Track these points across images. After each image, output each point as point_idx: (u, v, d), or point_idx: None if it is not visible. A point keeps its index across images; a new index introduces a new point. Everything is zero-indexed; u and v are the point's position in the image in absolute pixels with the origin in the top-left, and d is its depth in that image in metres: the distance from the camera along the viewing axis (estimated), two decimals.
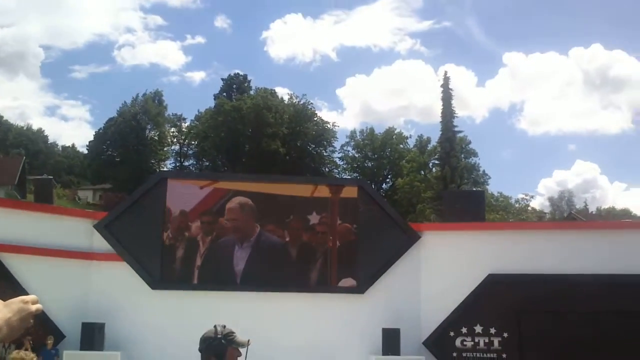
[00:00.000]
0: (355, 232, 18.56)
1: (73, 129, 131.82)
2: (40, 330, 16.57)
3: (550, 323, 17.25)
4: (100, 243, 18.03)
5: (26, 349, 15.98)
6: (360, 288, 18.16)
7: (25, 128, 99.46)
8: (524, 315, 17.36)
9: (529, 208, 65.34)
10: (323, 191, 18.88)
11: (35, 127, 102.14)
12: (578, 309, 17.07)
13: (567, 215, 67.44)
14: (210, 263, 18.20)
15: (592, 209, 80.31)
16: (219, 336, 4.19)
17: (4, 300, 2.46)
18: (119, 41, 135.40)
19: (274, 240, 18.43)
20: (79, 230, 18.05)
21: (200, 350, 4.24)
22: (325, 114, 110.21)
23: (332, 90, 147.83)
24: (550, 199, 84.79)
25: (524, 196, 66.86)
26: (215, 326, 4.30)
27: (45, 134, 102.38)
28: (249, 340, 4.25)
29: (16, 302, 2.43)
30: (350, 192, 19.03)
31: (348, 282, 18.31)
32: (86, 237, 18.07)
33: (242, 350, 4.29)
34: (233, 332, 4.26)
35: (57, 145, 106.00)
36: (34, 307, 2.46)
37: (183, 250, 18.21)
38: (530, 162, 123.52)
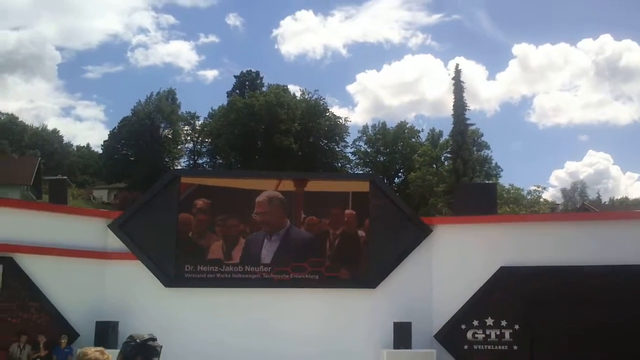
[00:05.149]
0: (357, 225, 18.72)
1: (88, 129, 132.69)
2: (54, 329, 16.84)
3: (561, 315, 17.26)
4: (114, 242, 18.25)
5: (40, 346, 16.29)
6: (372, 282, 18.26)
7: (40, 129, 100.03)
8: (535, 307, 17.39)
9: (541, 200, 64.93)
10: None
11: (50, 127, 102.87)
12: (589, 301, 17.06)
13: (580, 207, 67.09)
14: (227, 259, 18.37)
15: (605, 199, 79.83)
16: (137, 341, 4.30)
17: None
18: (132, 42, 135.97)
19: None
20: (93, 230, 18.27)
21: (122, 343, 4.37)
22: (336, 111, 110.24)
23: (342, 87, 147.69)
24: (563, 191, 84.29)
25: (536, 188, 66.38)
26: (150, 334, 4.40)
27: (60, 135, 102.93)
28: None
29: None
30: (362, 186, 19.14)
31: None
32: (100, 237, 18.29)
33: None
34: (156, 349, 4.34)
35: (72, 145, 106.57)
36: None
37: (195, 248, 18.40)
38: (542, 154, 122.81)
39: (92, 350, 3.79)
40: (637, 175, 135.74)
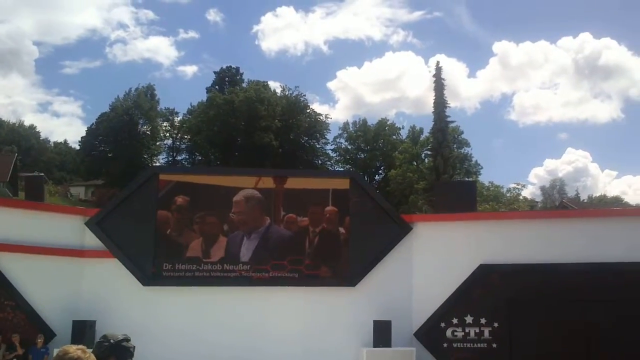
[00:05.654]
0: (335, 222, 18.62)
1: (65, 125, 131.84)
2: (30, 328, 16.59)
3: (541, 313, 17.32)
4: (91, 240, 17.98)
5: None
6: (352, 280, 18.18)
7: (17, 125, 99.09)
8: (514, 306, 17.43)
9: (521, 197, 65.45)
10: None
11: (27, 123, 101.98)
12: (569, 299, 17.12)
13: (559, 204, 67.69)
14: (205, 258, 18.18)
15: (584, 197, 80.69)
16: (111, 341, 4.22)
17: None
18: (111, 37, 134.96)
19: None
20: (70, 228, 17.98)
21: (95, 343, 4.30)
22: (316, 108, 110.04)
23: (323, 84, 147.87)
24: (542, 188, 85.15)
25: (515, 185, 66.98)
26: (124, 335, 4.34)
27: (37, 131, 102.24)
28: None
29: None
30: (342, 184, 19.04)
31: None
32: (78, 235, 18.01)
33: None
34: (129, 350, 4.27)
35: (49, 141, 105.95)
36: None
37: (173, 246, 18.19)
38: (522, 152, 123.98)
39: (74, 349, 3.68)
40: (615, 173, 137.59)
